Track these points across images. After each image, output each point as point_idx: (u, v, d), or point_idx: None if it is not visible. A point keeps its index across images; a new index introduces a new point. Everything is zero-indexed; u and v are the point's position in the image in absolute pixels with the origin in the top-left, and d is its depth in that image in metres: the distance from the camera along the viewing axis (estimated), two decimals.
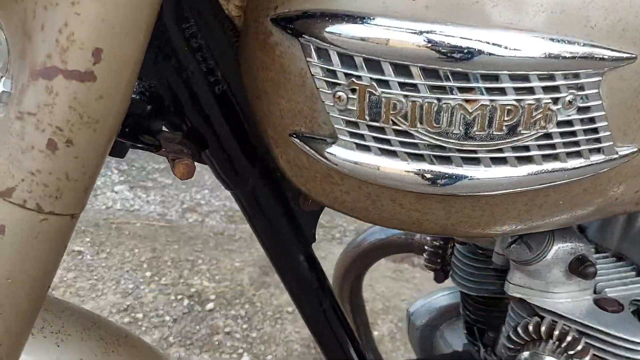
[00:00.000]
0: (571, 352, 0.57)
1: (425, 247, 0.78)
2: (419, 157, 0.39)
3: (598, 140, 0.41)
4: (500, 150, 0.39)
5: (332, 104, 0.39)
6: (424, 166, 0.40)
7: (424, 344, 0.86)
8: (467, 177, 0.40)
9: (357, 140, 0.40)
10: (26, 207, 0.38)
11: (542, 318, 0.60)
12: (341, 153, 0.41)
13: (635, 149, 0.43)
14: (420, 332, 0.88)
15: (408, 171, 0.40)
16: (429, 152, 0.39)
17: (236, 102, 0.50)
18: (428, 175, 0.40)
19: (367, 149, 0.40)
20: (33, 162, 0.37)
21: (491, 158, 0.40)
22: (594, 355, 0.57)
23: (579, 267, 0.59)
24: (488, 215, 0.44)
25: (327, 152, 0.42)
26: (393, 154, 0.40)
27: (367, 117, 0.38)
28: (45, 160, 0.37)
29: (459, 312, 0.87)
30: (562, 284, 0.60)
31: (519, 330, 0.60)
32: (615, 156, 0.42)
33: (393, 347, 1.71)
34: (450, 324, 0.87)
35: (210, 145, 0.51)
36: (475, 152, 0.39)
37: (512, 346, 0.61)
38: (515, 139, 0.39)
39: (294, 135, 0.43)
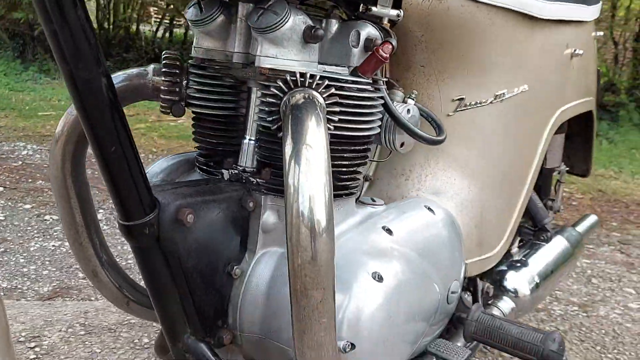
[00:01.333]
0: (322, 90, 0.71)
1: (161, 87, 0.82)
2: None
3: None
4: None
5: None
6: None
7: None
8: None
9: None
10: None
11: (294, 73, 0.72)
12: None
13: None
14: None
15: None
16: None
17: None
18: None
19: None
20: None
21: None
22: (334, 93, 0.72)
23: (311, 32, 0.74)
24: None
25: None
26: None
27: None
28: None
29: (189, 167, 0.91)
30: (299, 52, 0.74)
31: (281, 84, 0.71)
32: None
33: None
34: (184, 177, 0.90)
35: None
36: None
37: (273, 100, 0.71)
38: None
39: None
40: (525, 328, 0.90)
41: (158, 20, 6.92)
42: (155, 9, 6.94)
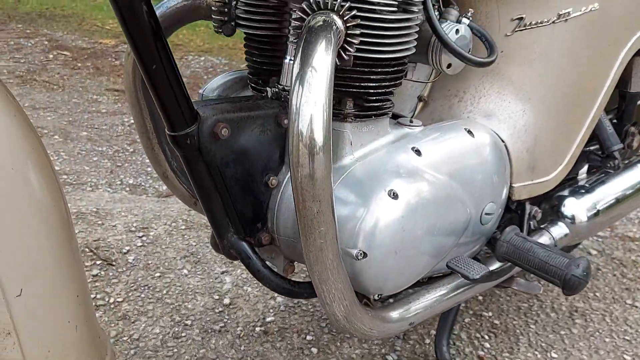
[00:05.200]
0: (343, 14, 0.75)
1: (212, 8, 0.90)
2: None
3: None
4: None
5: None
6: None
7: None
8: None
9: None
10: None
11: None
12: None
13: None
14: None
15: None
16: None
17: None
18: None
19: None
20: None
21: None
22: (357, 15, 0.76)
23: None
24: None
25: None
26: None
27: None
28: None
29: (243, 84, 1.00)
30: None
31: (304, 7, 0.76)
32: None
33: None
34: (238, 94, 0.99)
35: None
36: None
37: (298, 23, 0.77)
38: None
39: None
40: (553, 252, 0.92)
41: None
42: None
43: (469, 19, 0.94)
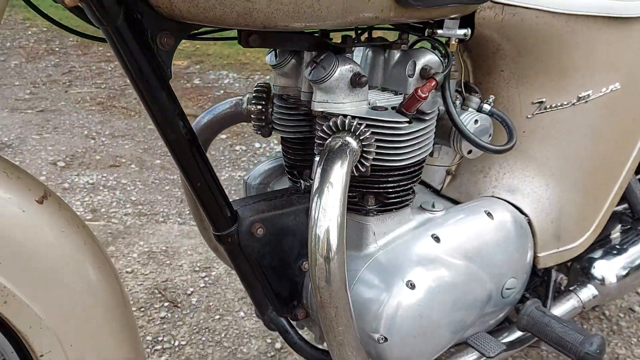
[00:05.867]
0: (359, 134, 0.84)
1: (252, 114, 1.02)
2: None
3: None
4: None
5: None
6: None
7: None
8: None
9: None
10: None
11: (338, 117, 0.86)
12: None
13: None
14: (255, 190, 1.11)
15: None
16: None
17: None
18: None
19: None
20: None
21: None
22: (373, 132, 0.85)
23: (356, 79, 0.87)
24: (293, 5, 0.69)
25: None
26: None
27: None
28: None
29: (282, 172, 1.12)
30: (347, 95, 0.88)
31: (324, 128, 0.86)
32: None
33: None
34: (277, 181, 1.11)
35: None
36: None
37: (320, 142, 0.87)
38: None
39: None
40: (570, 328, 0.97)
41: None
42: None
43: (490, 104, 1.01)
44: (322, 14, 0.72)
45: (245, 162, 2.89)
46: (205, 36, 0.87)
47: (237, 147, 3.05)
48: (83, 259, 0.75)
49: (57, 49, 4.73)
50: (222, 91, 3.93)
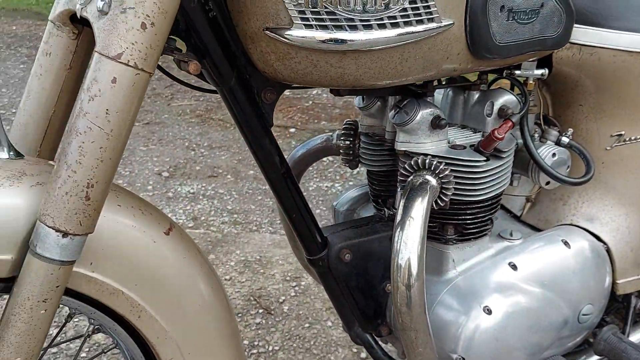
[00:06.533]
0: (438, 172, 0.93)
1: (341, 149, 1.12)
2: (339, 27, 0.73)
3: (430, 13, 0.78)
4: (382, 19, 0.74)
5: (289, 1, 0.72)
6: (343, 34, 0.74)
7: None
8: (363, 39, 0.75)
9: (304, 22, 0.73)
10: (129, 65, 0.67)
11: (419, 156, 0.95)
12: (295, 33, 0.74)
13: (452, 22, 0.80)
14: (343, 216, 1.21)
15: (331, 39, 0.74)
16: (345, 23, 0.73)
17: (224, 24, 0.81)
18: (344, 38, 0.74)
19: (310, 27, 0.73)
20: (133, 37, 0.67)
21: (378, 24, 0.74)
22: (452, 170, 0.93)
23: (436, 122, 0.95)
24: (379, 68, 0.79)
25: (287, 34, 0.74)
26: (325, 27, 0.73)
27: (310, 5, 0.72)
28: (140, 35, 0.67)
29: (367, 199, 1.21)
30: (428, 136, 0.96)
31: (407, 167, 0.95)
32: (441, 24, 0.79)
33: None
34: (362, 207, 1.21)
35: (205, 53, 0.81)
36: (368, 20, 0.74)
37: (403, 178, 0.96)
38: (388, 11, 0.74)
39: (266, 29, 0.76)
40: None
41: None
42: None
43: (568, 137, 1.07)
44: (404, 72, 0.82)
45: (332, 172, 3.01)
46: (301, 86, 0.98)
47: (324, 159, 3.17)
48: (199, 280, 0.88)
49: (160, 63, 5.07)
50: (310, 102, 4.07)
